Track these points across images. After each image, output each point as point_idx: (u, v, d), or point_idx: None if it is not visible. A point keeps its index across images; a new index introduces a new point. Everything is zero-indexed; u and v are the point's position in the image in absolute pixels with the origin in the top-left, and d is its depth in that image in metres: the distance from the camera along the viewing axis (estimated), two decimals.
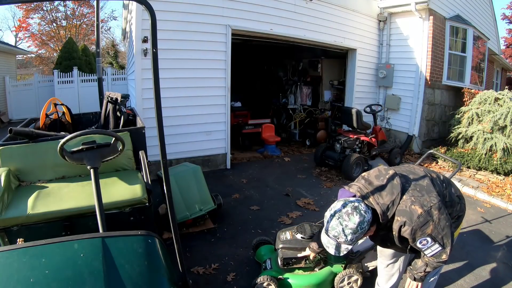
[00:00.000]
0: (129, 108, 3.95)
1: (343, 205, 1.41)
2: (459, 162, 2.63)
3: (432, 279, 1.84)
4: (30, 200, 1.87)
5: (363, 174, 1.62)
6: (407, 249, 1.61)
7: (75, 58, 11.65)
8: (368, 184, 1.52)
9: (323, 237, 1.49)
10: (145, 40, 4.23)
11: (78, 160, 1.71)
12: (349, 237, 1.38)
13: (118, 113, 3.09)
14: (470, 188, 4.62)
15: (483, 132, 5.18)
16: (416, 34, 6.18)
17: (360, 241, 2.40)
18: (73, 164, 1.84)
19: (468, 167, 5.22)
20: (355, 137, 5.13)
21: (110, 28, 32.57)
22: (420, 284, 1.63)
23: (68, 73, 10.42)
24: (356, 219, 1.37)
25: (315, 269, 2.34)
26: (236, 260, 2.76)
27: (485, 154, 5.04)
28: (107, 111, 3.25)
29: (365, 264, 2.44)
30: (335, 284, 2.31)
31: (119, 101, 3.08)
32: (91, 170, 1.66)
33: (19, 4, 15.19)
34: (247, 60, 8.50)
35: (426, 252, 1.48)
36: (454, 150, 5.55)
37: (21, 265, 1.07)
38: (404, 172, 1.60)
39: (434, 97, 6.32)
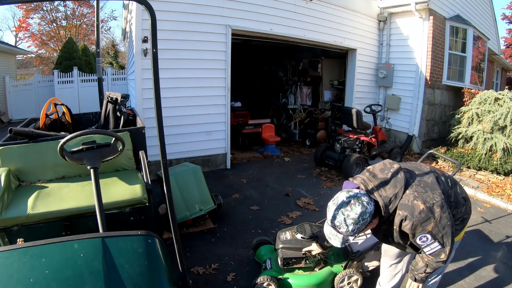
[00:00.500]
0: (129, 108, 3.95)
1: (346, 196, 1.42)
2: (459, 162, 2.63)
3: (433, 281, 1.83)
4: (30, 200, 1.87)
5: (368, 167, 1.62)
6: (407, 246, 1.61)
7: (75, 58, 11.65)
8: (372, 176, 1.52)
9: (326, 228, 1.50)
10: (145, 40, 4.23)
11: (78, 160, 1.71)
12: (350, 228, 1.38)
13: (118, 113, 3.09)
14: (470, 188, 4.62)
15: (483, 132, 5.18)
16: (416, 34, 6.18)
17: (360, 241, 2.41)
18: (73, 164, 1.84)
19: (468, 167, 5.22)
20: (355, 137, 5.13)
21: (110, 28, 32.60)
22: (421, 285, 1.63)
23: (68, 73, 10.42)
24: (358, 209, 1.38)
25: (315, 269, 2.34)
26: (236, 260, 2.76)
27: (485, 154, 5.04)
28: (107, 111, 3.25)
29: (365, 264, 2.44)
30: (335, 284, 2.30)
31: (119, 101, 3.08)
32: (91, 170, 1.66)
33: (19, 4, 15.19)
34: (247, 60, 8.50)
35: (425, 250, 1.47)
36: (454, 150, 5.55)
37: (21, 265, 1.07)
38: (409, 168, 1.60)
39: (434, 97, 6.32)
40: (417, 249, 1.60)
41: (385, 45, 6.77)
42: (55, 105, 3.35)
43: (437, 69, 6.23)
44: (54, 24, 18.46)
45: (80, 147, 1.71)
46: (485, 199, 4.38)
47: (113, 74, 11.13)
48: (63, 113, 3.40)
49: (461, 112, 5.76)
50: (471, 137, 5.39)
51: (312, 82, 7.83)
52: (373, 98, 6.95)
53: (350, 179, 1.60)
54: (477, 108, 5.50)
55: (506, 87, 5.67)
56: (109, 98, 3.12)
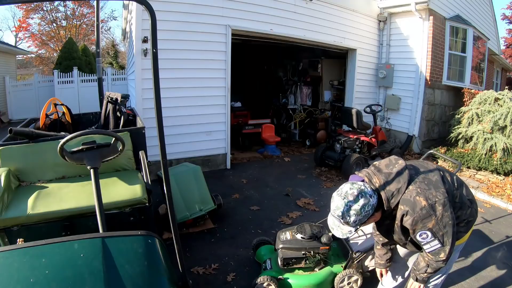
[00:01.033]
0: (129, 108, 3.95)
1: (350, 187, 1.44)
2: (459, 162, 2.63)
3: (434, 282, 1.83)
4: (30, 200, 1.87)
5: (374, 162, 1.64)
6: (408, 242, 1.61)
7: (75, 58, 11.65)
8: (377, 171, 1.54)
9: (329, 219, 1.52)
10: (145, 40, 4.23)
11: (78, 160, 1.71)
12: (352, 218, 1.40)
13: (118, 113, 3.09)
14: (470, 188, 4.62)
15: (483, 132, 5.18)
16: (416, 34, 6.18)
17: (360, 241, 2.41)
18: (73, 164, 1.84)
19: (468, 167, 5.22)
20: (355, 137, 5.13)
21: (110, 28, 32.64)
22: (422, 285, 1.63)
23: (68, 73, 10.42)
24: (361, 201, 1.40)
25: (315, 269, 2.34)
26: (236, 260, 2.76)
27: (485, 154, 5.04)
28: (107, 111, 3.25)
29: (365, 264, 2.44)
30: (335, 284, 2.31)
31: (119, 101, 3.08)
32: (91, 170, 1.65)
33: (19, 4, 15.19)
34: (247, 60, 8.49)
35: (425, 247, 1.48)
36: (454, 150, 5.55)
37: (21, 265, 1.07)
38: (415, 164, 1.61)
39: (434, 97, 6.32)
40: (417, 247, 1.60)
41: (385, 45, 6.77)
42: (55, 105, 3.35)
43: (437, 69, 6.23)
44: (54, 24, 18.48)
45: (80, 147, 1.71)
46: (485, 199, 4.38)
47: (113, 74, 11.13)
48: (63, 113, 3.40)
49: (461, 112, 5.76)
50: (471, 137, 5.39)
51: (312, 82, 7.83)
52: (373, 98, 6.95)
53: (356, 172, 1.62)
54: (477, 108, 5.50)
55: (506, 87, 5.67)
56: (109, 98, 3.12)
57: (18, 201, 1.88)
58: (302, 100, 7.70)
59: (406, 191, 1.45)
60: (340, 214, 1.42)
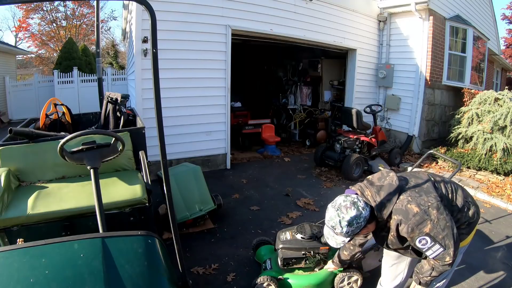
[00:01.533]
0: (129, 108, 3.95)
1: (343, 200, 1.50)
2: (459, 162, 2.63)
3: (438, 285, 1.82)
4: (30, 200, 1.87)
5: (368, 176, 1.71)
6: (409, 251, 1.61)
7: (75, 58, 11.65)
8: (370, 184, 1.61)
9: (325, 229, 1.58)
10: (145, 40, 4.23)
11: (78, 160, 1.71)
12: (344, 229, 1.46)
13: (118, 113, 3.09)
14: (470, 188, 4.62)
15: (483, 132, 5.18)
16: (416, 34, 6.18)
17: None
18: (73, 164, 1.84)
19: (468, 167, 5.22)
20: (355, 137, 5.13)
21: (110, 28, 32.64)
22: None
23: (68, 73, 10.42)
24: (352, 213, 1.45)
25: (315, 269, 2.34)
26: (236, 260, 2.76)
27: (485, 154, 5.04)
28: (107, 111, 3.25)
29: (365, 264, 2.44)
30: (335, 284, 2.30)
31: (119, 101, 3.08)
32: (91, 170, 1.65)
33: (19, 4, 15.19)
34: (247, 60, 8.50)
35: (428, 254, 1.48)
36: (454, 150, 5.55)
37: (21, 265, 1.07)
38: (406, 175, 1.66)
39: (434, 97, 6.32)
40: (420, 255, 1.59)
41: (385, 45, 6.77)
42: (55, 105, 3.35)
43: (437, 69, 6.23)
44: (54, 24, 18.47)
45: (80, 147, 1.71)
46: (485, 199, 4.38)
47: (113, 74, 11.13)
48: (63, 113, 3.40)
49: (461, 112, 5.76)
50: (471, 137, 5.39)
51: (312, 82, 7.83)
52: (373, 98, 6.95)
53: (350, 186, 1.68)
54: (477, 108, 5.50)
55: (506, 87, 5.67)
56: (109, 98, 3.12)
57: (18, 201, 1.88)
58: (302, 100, 7.70)
59: (397, 201, 1.50)
60: (333, 225, 1.48)
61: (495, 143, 4.96)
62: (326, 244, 2.28)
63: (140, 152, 2.38)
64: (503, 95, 5.36)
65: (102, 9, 22.86)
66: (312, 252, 2.28)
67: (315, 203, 3.99)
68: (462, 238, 1.64)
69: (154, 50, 1.27)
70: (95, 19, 4.07)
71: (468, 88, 6.17)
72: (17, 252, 1.11)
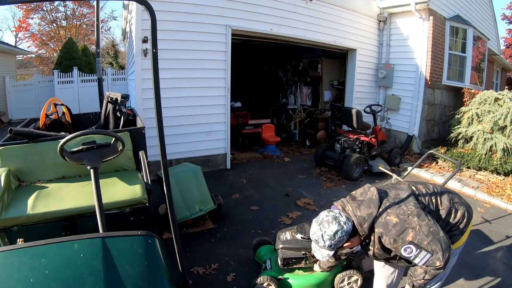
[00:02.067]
0: (129, 108, 3.95)
1: (326, 215, 1.57)
2: (459, 162, 2.63)
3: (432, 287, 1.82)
4: (30, 200, 1.87)
5: (352, 192, 1.76)
6: (397, 260, 1.62)
7: (75, 58, 11.65)
8: (352, 199, 1.66)
9: (312, 243, 1.65)
10: (145, 40, 4.23)
11: (78, 160, 1.71)
12: (327, 243, 1.52)
13: (118, 113, 3.09)
14: (470, 188, 4.62)
15: (483, 132, 5.18)
16: (416, 34, 6.18)
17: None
18: (73, 164, 1.84)
19: (468, 167, 5.22)
20: (355, 137, 5.13)
21: (110, 28, 32.62)
22: None
23: (68, 73, 10.42)
24: (334, 227, 1.51)
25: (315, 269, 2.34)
26: (236, 260, 2.76)
27: (485, 154, 5.04)
28: (107, 111, 3.25)
29: (365, 264, 2.44)
30: (335, 284, 2.31)
31: (119, 101, 3.08)
32: (91, 170, 1.66)
33: (19, 4, 15.19)
34: (247, 60, 8.50)
35: (416, 262, 1.48)
36: (454, 150, 5.55)
37: (21, 265, 1.07)
38: (386, 188, 1.70)
39: (434, 97, 6.32)
40: (410, 263, 1.60)
41: (385, 45, 6.76)
42: (55, 105, 3.35)
43: (437, 69, 6.23)
44: (54, 24, 18.47)
45: (80, 147, 1.71)
46: (485, 199, 4.38)
47: (113, 74, 11.13)
48: (63, 113, 3.40)
49: (461, 112, 5.76)
50: (471, 137, 5.39)
51: (312, 82, 7.83)
52: (373, 98, 6.95)
53: (334, 202, 1.74)
54: (477, 108, 5.50)
55: (506, 87, 5.67)
56: (109, 98, 3.12)
57: (18, 201, 1.88)
58: (302, 100, 7.70)
59: (377, 215, 1.54)
60: (317, 238, 1.55)
61: (495, 143, 4.96)
62: None
63: (140, 152, 2.38)
64: (503, 95, 5.36)
65: (102, 9, 22.88)
66: (312, 252, 2.28)
67: (315, 203, 3.99)
68: (455, 240, 1.65)
69: (154, 50, 1.27)
70: (95, 19, 4.07)
71: (468, 88, 6.17)
72: (17, 252, 1.11)
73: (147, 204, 2.03)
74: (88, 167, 1.68)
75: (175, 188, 3.04)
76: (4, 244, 1.76)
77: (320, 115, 7.33)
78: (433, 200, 1.63)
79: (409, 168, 3.77)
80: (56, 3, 16.47)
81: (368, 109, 5.83)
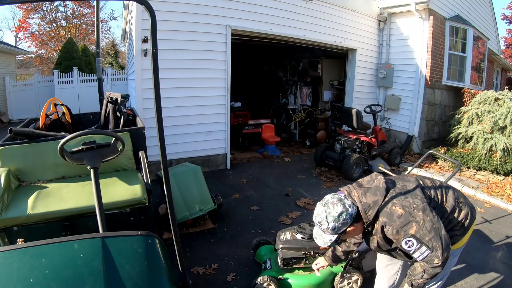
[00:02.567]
0: (129, 108, 3.95)
1: (331, 197, 1.57)
2: (459, 162, 2.63)
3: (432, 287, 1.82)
4: (30, 200, 1.87)
5: (359, 179, 1.73)
6: (398, 253, 1.61)
7: (75, 58, 11.65)
8: (358, 186, 1.64)
9: (314, 228, 1.64)
10: (145, 40, 4.23)
11: (78, 160, 1.71)
12: (330, 225, 1.50)
13: (118, 113, 3.09)
14: (470, 188, 4.62)
15: (483, 132, 5.18)
16: (416, 34, 6.18)
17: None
18: (73, 164, 1.84)
19: (468, 167, 5.22)
20: (355, 137, 5.13)
21: (110, 28, 32.63)
22: None
23: (68, 73, 10.42)
24: (339, 209, 1.50)
25: None
26: (236, 260, 2.76)
27: (485, 154, 5.04)
28: (107, 111, 3.25)
29: (365, 264, 2.44)
30: (335, 284, 2.30)
31: (119, 101, 3.08)
32: (91, 170, 1.66)
33: (19, 4, 15.19)
34: (247, 60, 8.50)
35: (415, 256, 1.47)
36: (454, 150, 5.55)
37: (21, 265, 1.07)
38: (394, 178, 1.69)
39: (434, 97, 6.32)
40: (409, 257, 1.59)
41: (385, 45, 6.77)
42: (55, 105, 3.35)
43: (437, 69, 6.23)
44: (54, 24, 18.47)
45: (80, 147, 1.71)
46: (485, 199, 4.38)
47: (113, 74, 11.13)
48: (63, 113, 3.41)
49: (461, 112, 5.76)
50: (471, 137, 5.39)
51: (312, 82, 7.83)
52: (373, 98, 6.95)
53: (341, 188, 1.72)
54: (477, 108, 5.50)
55: (506, 87, 5.67)
56: (109, 98, 3.12)
57: (18, 201, 1.88)
58: (302, 100, 7.70)
59: (383, 204, 1.52)
60: (320, 220, 1.53)
61: (495, 143, 4.96)
62: None
63: (140, 152, 2.38)
64: (503, 95, 5.36)
65: (102, 9, 22.87)
66: (312, 252, 2.28)
67: (315, 203, 3.96)
68: (456, 240, 1.64)
69: (154, 50, 1.27)
70: (95, 19, 4.07)
71: (468, 88, 6.17)
72: (17, 252, 1.11)
73: (147, 204, 2.03)
74: (88, 167, 1.68)
75: (175, 188, 3.04)
76: (4, 244, 1.76)
77: (320, 115, 7.33)
78: (439, 196, 1.62)
79: (409, 168, 3.77)
80: (56, 3, 16.47)
81: (368, 109, 5.83)
